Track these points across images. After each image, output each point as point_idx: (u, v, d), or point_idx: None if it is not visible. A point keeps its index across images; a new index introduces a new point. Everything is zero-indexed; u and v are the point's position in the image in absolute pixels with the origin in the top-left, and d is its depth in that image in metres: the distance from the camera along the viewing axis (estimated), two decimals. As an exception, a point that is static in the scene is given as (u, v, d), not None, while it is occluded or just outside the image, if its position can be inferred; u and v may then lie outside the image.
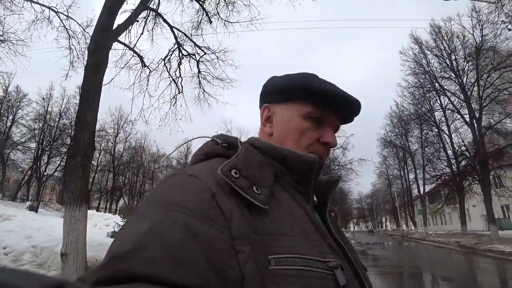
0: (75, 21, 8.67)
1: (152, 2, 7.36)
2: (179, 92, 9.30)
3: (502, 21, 12.24)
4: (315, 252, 0.44)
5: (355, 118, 0.66)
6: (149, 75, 8.92)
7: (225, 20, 9.02)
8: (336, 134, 0.62)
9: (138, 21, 6.96)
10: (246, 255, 0.38)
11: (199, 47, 8.78)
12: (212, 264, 0.35)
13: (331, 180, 0.64)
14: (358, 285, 0.49)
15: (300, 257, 0.41)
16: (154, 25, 8.48)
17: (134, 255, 0.34)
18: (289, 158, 0.54)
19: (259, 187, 0.46)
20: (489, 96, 16.08)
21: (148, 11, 7.52)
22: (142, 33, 7.96)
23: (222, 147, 0.57)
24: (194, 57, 9.00)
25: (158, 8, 7.78)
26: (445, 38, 18.28)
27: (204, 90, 9.80)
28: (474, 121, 16.60)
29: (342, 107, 0.60)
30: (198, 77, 9.55)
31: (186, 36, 8.46)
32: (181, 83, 9.25)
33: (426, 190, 29.34)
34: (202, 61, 9.17)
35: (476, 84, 16.28)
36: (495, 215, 18.72)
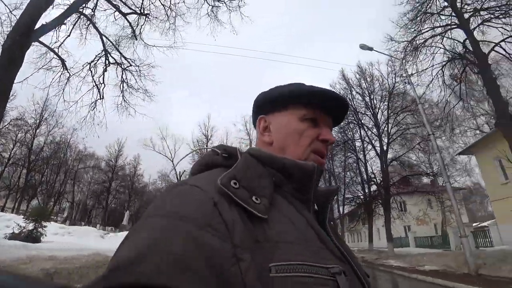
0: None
1: (85, 7, 7.36)
2: (100, 98, 9.31)
3: (401, 75, 14.93)
4: (316, 259, 0.44)
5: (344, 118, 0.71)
6: (68, 78, 8.78)
7: (144, 42, 9.72)
8: None
9: (65, 24, 6.84)
10: (247, 263, 0.38)
11: (125, 58, 9.09)
12: (215, 272, 0.36)
13: (330, 189, 0.66)
14: None
15: (301, 264, 0.41)
16: (86, 30, 8.54)
17: (138, 265, 0.34)
18: (288, 166, 0.56)
19: (258, 196, 0.47)
20: (396, 133, 19.14)
21: (79, 15, 7.44)
22: (69, 35, 7.76)
23: (222, 157, 0.58)
24: (121, 66, 9.18)
25: (94, 15, 7.83)
26: (367, 79, 21.31)
27: (124, 100, 10.10)
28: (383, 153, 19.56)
29: (332, 105, 0.65)
30: (121, 86, 9.84)
31: (113, 45, 8.61)
32: (103, 90, 9.42)
33: (346, 211, 32.40)
34: (131, 71, 9.41)
35: (386, 122, 19.23)
36: (398, 235, 22.22)
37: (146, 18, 9.46)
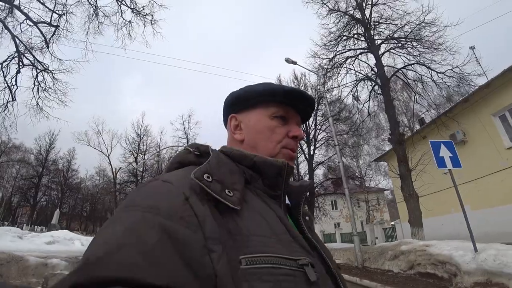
0: None
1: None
2: (12, 100, 8.89)
3: (318, 89, 16.50)
4: (285, 251, 0.45)
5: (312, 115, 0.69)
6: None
7: (52, 56, 9.87)
8: None
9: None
10: (218, 254, 0.39)
11: (39, 62, 8.82)
12: (186, 263, 0.36)
13: (303, 185, 0.67)
14: (331, 282, 0.51)
15: (271, 256, 0.42)
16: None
17: (109, 259, 0.34)
18: (258, 163, 0.57)
19: (231, 190, 0.48)
20: (321, 139, 20.89)
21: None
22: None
23: (194, 155, 0.58)
24: (36, 68, 8.84)
25: (6, 18, 7.54)
26: (303, 86, 22.66)
27: (37, 104, 10.01)
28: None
29: (300, 103, 0.67)
30: (35, 90, 9.80)
31: (26, 48, 8.34)
32: (15, 92, 9.21)
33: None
34: (52, 72, 9.14)
35: (314, 128, 20.79)
36: (329, 231, 24.79)
37: (56, 30, 9.56)
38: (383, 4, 12.43)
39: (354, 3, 13.05)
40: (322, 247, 0.58)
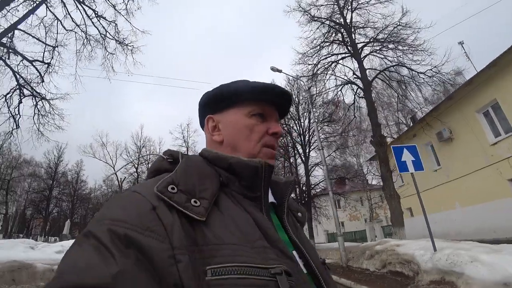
0: None
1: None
2: (16, 128, 10.70)
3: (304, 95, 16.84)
4: (257, 259, 0.44)
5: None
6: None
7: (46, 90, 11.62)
8: None
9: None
10: (185, 264, 0.39)
11: (37, 93, 10.56)
12: (153, 274, 0.37)
13: (287, 182, 0.66)
14: (313, 285, 0.51)
15: (239, 265, 0.41)
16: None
17: (75, 273, 0.35)
18: (234, 165, 0.57)
19: (197, 199, 0.48)
20: (315, 141, 21.06)
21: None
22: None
23: (168, 162, 0.58)
24: (35, 98, 10.65)
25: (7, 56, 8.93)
26: (296, 90, 22.95)
27: (39, 129, 11.56)
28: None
29: (277, 98, 0.67)
30: (35, 118, 11.42)
31: (26, 82, 9.65)
32: (18, 120, 10.79)
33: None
34: (49, 100, 10.97)
35: (308, 131, 21.07)
36: (333, 230, 25.25)
37: (48, 67, 11.23)
38: (363, 8, 12.74)
39: (336, 8, 13.37)
40: (307, 246, 0.57)
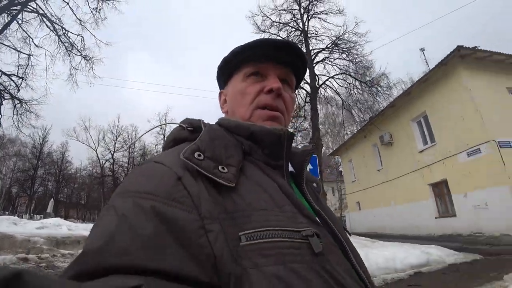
0: None
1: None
2: None
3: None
4: (288, 223, 0.43)
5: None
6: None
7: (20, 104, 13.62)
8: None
9: None
10: (215, 233, 0.38)
11: (16, 97, 12.46)
12: (183, 245, 0.36)
13: (305, 150, 0.63)
14: (339, 251, 0.48)
15: (272, 229, 0.41)
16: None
17: (106, 248, 0.34)
18: (256, 133, 0.55)
19: (225, 166, 0.46)
20: None
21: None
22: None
23: (188, 131, 0.57)
24: (14, 101, 12.48)
25: None
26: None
27: (18, 127, 13.96)
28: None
29: (275, 52, 0.62)
30: (15, 119, 13.71)
31: (5, 89, 11.45)
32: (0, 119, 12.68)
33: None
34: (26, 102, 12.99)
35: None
36: None
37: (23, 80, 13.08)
38: (316, 17, 13.56)
39: (298, 15, 14.12)
40: (329, 214, 0.56)
